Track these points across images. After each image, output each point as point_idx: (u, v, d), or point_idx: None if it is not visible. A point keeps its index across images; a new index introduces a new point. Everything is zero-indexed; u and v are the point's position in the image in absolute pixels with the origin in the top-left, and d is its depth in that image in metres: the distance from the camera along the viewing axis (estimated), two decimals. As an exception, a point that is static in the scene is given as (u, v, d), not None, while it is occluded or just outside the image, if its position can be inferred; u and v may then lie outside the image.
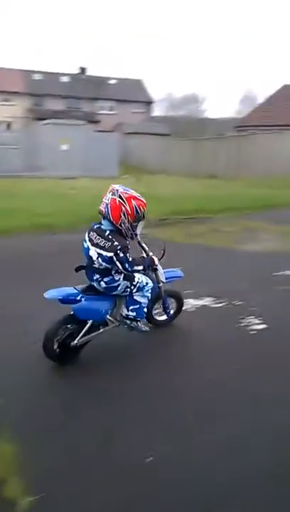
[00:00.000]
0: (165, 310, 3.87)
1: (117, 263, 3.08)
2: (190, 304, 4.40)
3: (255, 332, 3.88)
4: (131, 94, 40.67)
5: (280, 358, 3.43)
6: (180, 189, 13.21)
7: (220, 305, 4.44)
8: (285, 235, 7.88)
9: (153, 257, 3.47)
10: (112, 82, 41.67)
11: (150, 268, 3.44)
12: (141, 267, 3.31)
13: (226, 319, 4.15)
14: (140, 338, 3.64)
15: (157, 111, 47.39)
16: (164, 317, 3.92)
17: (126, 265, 3.11)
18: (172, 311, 3.93)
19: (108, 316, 3.34)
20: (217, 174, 19.69)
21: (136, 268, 3.23)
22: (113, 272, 3.18)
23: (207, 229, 8.22)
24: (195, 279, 4.91)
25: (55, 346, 3.13)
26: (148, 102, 43.33)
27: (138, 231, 3.29)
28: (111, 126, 33.83)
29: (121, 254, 3.06)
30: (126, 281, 3.26)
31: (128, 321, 3.42)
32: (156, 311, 3.87)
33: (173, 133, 32.76)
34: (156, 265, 3.48)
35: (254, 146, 19.92)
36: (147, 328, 3.60)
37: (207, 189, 13.80)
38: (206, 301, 4.53)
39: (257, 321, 4.07)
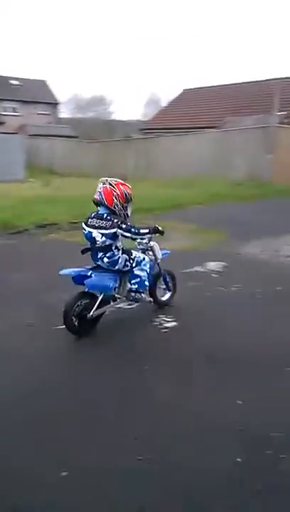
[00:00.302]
0: (167, 285, 4.44)
1: (125, 233, 3.69)
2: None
3: (166, 330, 3.97)
4: (35, 95, 39.49)
5: (186, 354, 3.52)
6: (91, 191, 13.12)
7: (134, 305, 4.47)
8: (193, 233, 8.22)
9: (157, 226, 3.98)
10: (14, 82, 40.06)
11: (156, 233, 3.94)
12: (147, 230, 3.84)
13: (139, 319, 4.19)
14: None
15: (63, 113, 46.71)
16: (167, 296, 4.46)
17: (133, 230, 3.70)
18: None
19: (116, 293, 3.91)
20: (127, 175, 19.94)
21: (142, 231, 3.79)
22: (113, 248, 3.76)
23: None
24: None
25: (74, 319, 3.58)
26: (54, 104, 42.48)
27: (129, 212, 3.85)
28: (15, 128, 32.51)
29: (124, 226, 3.66)
30: (124, 255, 3.84)
31: (132, 294, 3.98)
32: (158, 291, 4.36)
33: (80, 135, 32.47)
34: (162, 231, 3.99)
35: (159, 148, 20.59)
36: (151, 299, 4.21)
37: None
38: (120, 303, 4.53)
39: (168, 319, 4.17)
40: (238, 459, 2.32)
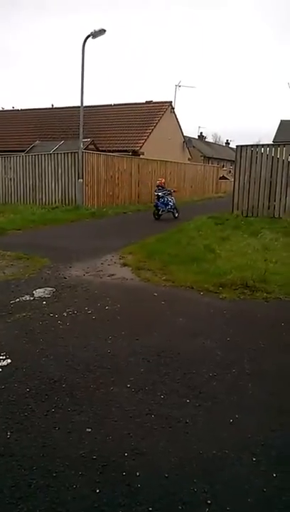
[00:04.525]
0: (176, 212, 15.81)
1: (169, 193, 15.76)
2: None
3: (0, 370, 3.65)
4: None
5: (25, 393, 3.32)
6: None
7: None
8: (16, 260, 7.85)
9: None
10: None
11: (171, 195, 15.95)
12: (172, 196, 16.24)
13: None
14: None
15: None
16: (176, 215, 15.83)
17: (170, 193, 16.10)
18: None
19: (164, 209, 15.59)
20: None
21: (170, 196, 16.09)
22: (166, 196, 15.44)
23: None
24: None
25: (156, 215, 15.21)
26: None
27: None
28: None
29: (168, 191, 15.81)
30: (168, 198, 15.42)
31: (169, 209, 15.51)
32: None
33: None
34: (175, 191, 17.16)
35: None
36: (177, 215, 15.73)
37: None
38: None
39: (1, 357, 3.84)
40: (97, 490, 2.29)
